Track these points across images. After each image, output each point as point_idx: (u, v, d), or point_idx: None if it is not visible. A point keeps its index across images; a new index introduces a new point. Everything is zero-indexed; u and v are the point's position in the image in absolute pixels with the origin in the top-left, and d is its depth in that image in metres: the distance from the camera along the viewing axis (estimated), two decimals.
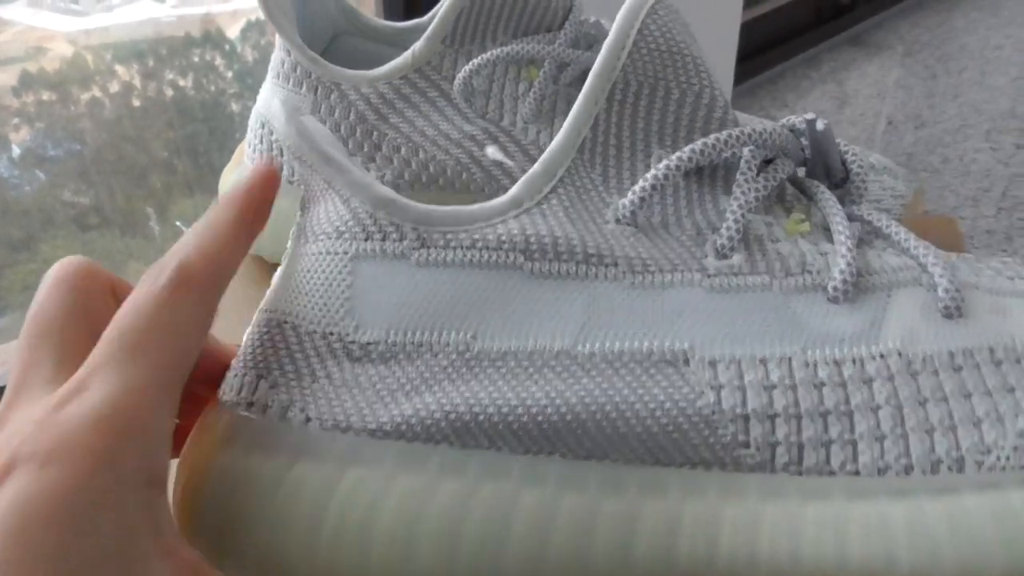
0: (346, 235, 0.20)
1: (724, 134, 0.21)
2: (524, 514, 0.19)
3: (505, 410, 0.19)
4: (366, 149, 0.32)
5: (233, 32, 1.05)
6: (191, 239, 0.19)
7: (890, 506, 0.18)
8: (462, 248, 0.20)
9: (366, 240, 0.20)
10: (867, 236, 0.22)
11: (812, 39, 1.27)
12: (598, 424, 0.19)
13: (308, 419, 0.19)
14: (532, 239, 0.20)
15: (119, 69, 0.95)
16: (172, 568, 0.17)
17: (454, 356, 0.19)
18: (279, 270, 0.22)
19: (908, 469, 0.18)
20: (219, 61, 1.07)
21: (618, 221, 0.21)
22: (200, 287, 0.19)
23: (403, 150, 0.32)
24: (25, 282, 0.87)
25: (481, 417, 0.19)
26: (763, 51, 1.19)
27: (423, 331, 0.20)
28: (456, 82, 0.31)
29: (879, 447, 0.19)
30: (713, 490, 0.19)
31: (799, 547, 0.18)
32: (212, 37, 1.06)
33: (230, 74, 1.06)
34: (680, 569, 0.19)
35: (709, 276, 0.20)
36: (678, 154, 0.21)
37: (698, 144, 0.21)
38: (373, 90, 0.32)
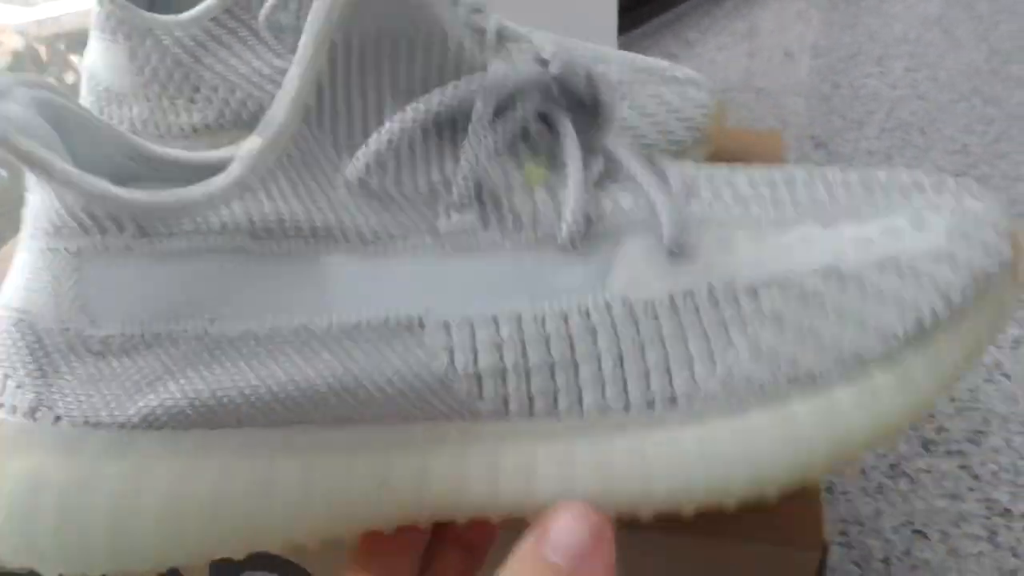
0: (64, 231, 0.19)
1: (451, 86, 0.21)
2: (283, 482, 0.20)
3: (247, 391, 0.19)
4: (185, 92, 0.34)
5: None
6: None
7: (611, 442, 0.20)
8: (185, 235, 0.19)
9: (85, 235, 0.19)
10: (611, 170, 0.22)
11: None
12: (338, 396, 0.20)
13: (58, 418, 0.19)
14: (257, 220, 0.19)
15: (73, 59, 0.93)
16: None
17: (194, 343, 0.19)
18: (14, 262, 0.21)
19: (627, 408, 0.20)
20: None
21: (349, 188, 0.20)
22: None
23: (220, 90, 0.34)
24: None
25: (225, 400, 0.19)
26: None
27: (159, 321, 0.19)
28: (260, 19, 0.32)
29: (601, 391, 0.20)
30: (455, 439, 0.20)
31: (533, 484, 0.20)
32: None
33: None
34: (432, 509, 0.21)
35: (440, 238, 0.20)
36: (400, 114, 0.20)
37: (422, 101, 0.20)
38: (185, 33, 0.33)
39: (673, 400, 0.20)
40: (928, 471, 0.51)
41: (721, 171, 0.23)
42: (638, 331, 0.20)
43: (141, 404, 0.19)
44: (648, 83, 0.36)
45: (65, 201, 0.19)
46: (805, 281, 0.20)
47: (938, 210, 0.21)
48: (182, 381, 0.19)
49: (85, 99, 0.36)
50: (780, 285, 0.20)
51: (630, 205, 0.21)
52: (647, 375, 0.20)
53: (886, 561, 0.46)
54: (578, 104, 0.23)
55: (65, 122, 0.21)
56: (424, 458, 0.20)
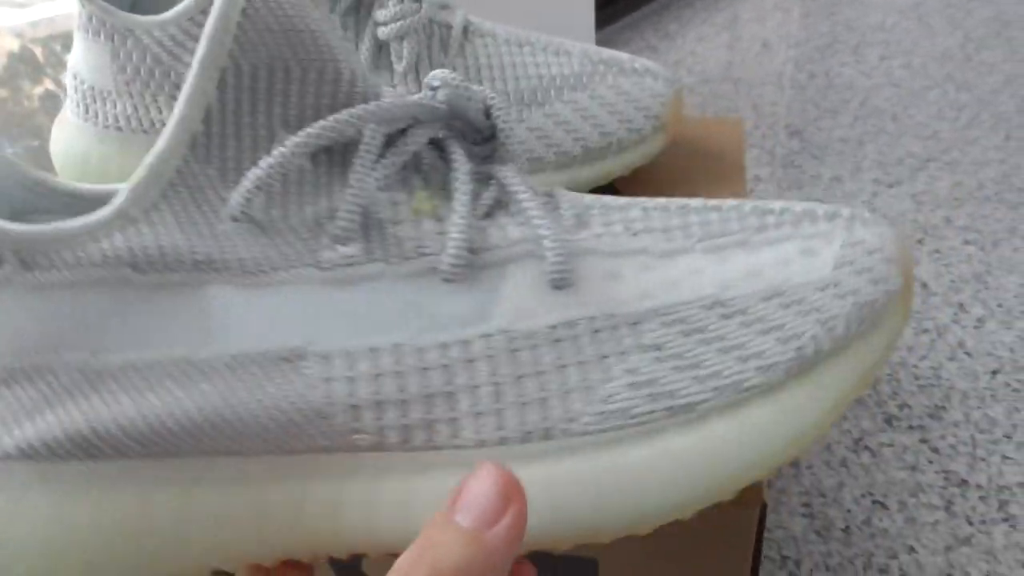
0: None
1: (342, 114, 0.20)
2: (160, 514, 0.20)
3: (124, 423, 0.19)
4: (166, 89, 0.35)
5: None
6: None
7: None
8: (67, 267, 0.19)
9: None
10: (502, 200, 0.22)
11: None
12: (215, 427, 0.20)
13: None
14: (139, 252, 0.19)
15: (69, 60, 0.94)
16: None
17: (76, 375, 0.19)
18: None
19: (504, 441, 0.20)
20: None
21: (234, 219, 0.20)
22: None
23: None
24: None
25: (102, 432, 0.19)
26: None
27: (41, 353, 0.19)
28: None
29: (477, 423, 0.20)
30: (334, 471, 0.20)
31: (411, 516, 0.20)
32: None
33: None
34: (310, 542, 0.21)
35: (323, 270, 0.20)
36: (286, 143, 0.20)
37: (308, 131, 0.20)
38: (164, 33, 0.35)
39: (548, 433, 0.20)
40: (890, 445, 0.53)
41: (618, 202, 0.23)
42: (517, 362, 0.20)
43: (18, 435, 0.19)
44: (607, 74, 0.38)
45: None
46: (688, 313, 0.21)
47: (828, 240, 0.21)
48: (61, 413, 0.19)
49: (71, 98, 0.38)
50: (663, 317, 0.21)
51: (517, 236, 0.21)
52: (524, 407, 0.20)
53: (846, 530, 0.48)
54: (476, 132, 0.23)
55: None
56: (303, 490, 0.21)
